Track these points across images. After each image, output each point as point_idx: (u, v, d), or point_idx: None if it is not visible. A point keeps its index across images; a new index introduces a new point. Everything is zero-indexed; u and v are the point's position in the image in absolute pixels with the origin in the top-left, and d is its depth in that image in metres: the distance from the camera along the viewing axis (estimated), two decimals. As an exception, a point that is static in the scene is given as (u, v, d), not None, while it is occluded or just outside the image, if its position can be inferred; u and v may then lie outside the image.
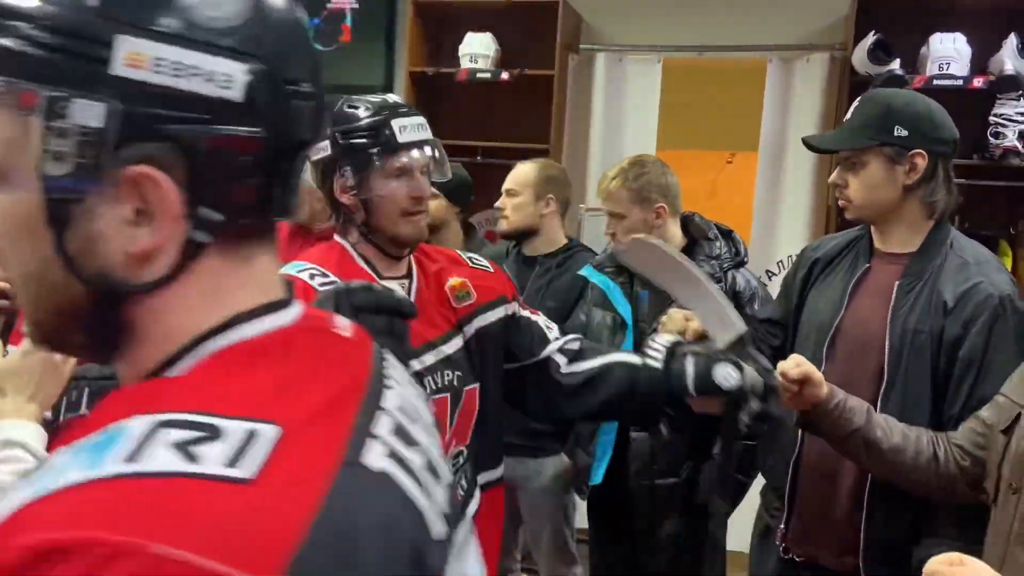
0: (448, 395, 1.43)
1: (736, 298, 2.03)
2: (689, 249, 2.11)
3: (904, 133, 1.61)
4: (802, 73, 3.37)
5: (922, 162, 1.61)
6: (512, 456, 2.45)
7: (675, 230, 2.13)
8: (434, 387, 1.42)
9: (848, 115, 1.71)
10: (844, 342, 1.68)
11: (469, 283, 1.54)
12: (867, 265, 1.70)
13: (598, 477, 2.11)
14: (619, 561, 2.20)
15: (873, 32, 3.07)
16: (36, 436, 1.12)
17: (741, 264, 2.09)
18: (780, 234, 3.36)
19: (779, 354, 1.84)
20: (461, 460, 1.45)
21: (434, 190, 2.75)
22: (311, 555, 0.44)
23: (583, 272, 2.17)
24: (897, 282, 1.63)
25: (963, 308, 1.55)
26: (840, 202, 1.72)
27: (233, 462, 0.45)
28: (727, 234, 2.15)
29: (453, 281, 1.52)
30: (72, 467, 0.44)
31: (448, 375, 1.44)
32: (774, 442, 1.81)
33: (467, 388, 1.46)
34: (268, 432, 0.47)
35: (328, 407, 0.53)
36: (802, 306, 1.81)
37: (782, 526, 1.75)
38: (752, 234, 3.48)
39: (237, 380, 0.52)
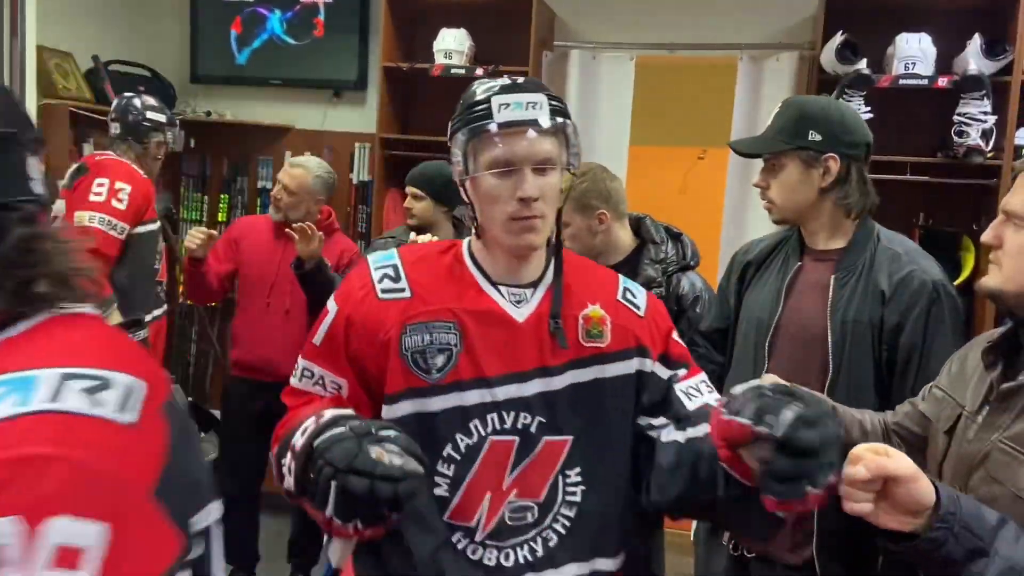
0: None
1: (679, 301, 2.06)
2: (636, 252, 2.15)
3: (818, 137, 1.69)
4: (772, 71, 3.42)
5: (835, 165, 1.69)
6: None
7: (622, 234, 2.16)
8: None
9: (769, 120, 1.77)
10: (785, 339, 1.73)
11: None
12: (799, 263, 1.76)
13: None
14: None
15: (841, 32, 3.12)
16: None
17: (687, 268, 2.13)
18: (750, 230, 3.39)
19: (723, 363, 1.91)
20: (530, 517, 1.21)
21: (419, 192, 2.79)
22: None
23: None
24: (832, 276, 1.69)
25: (900, 296, 1.63)
26: (764, 204, 1.79)
27: (122, 408, 0.64)
28: (676, 237, 2.19)
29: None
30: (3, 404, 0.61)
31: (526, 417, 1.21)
32: None
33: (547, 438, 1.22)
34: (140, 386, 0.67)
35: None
36: (740, 309, 1.86)
37: None
38: (723, 230, 3.52)
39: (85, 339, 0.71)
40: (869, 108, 3.08)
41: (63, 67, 3.56)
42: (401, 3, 3.69)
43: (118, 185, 2.78)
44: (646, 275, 2.09)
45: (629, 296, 1.30)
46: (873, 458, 1.03)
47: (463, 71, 3.58)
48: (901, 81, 3.11)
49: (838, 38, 3.12)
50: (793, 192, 1.71)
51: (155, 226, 3.05)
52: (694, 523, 1.96)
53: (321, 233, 2.78)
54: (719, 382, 1.92)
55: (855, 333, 1.64)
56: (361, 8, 3.91)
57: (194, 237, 2.84)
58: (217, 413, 3.33)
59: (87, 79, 3.71)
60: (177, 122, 3.16)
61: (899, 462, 1.03)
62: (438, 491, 1.19)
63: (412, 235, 2.57)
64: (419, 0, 3.71)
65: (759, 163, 2.00)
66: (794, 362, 1.70)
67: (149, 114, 3.01)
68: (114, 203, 2.75)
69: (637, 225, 2.19)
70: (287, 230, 2.81)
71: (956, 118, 3.04)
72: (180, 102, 4.04)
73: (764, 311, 1.77)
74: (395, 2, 3.65)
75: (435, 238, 2.54)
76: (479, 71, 3.56)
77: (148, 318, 2.90)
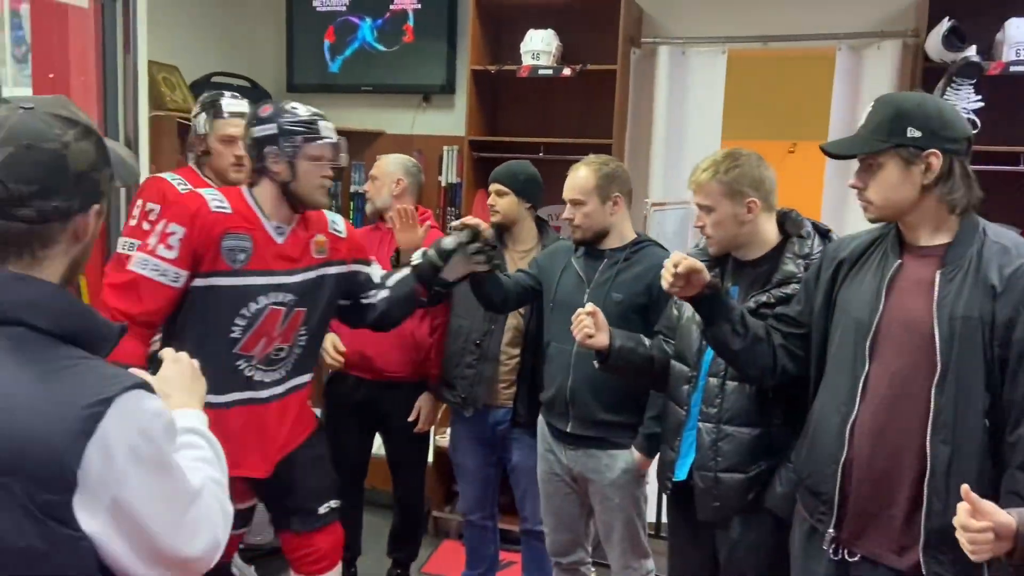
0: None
1: None
2: (780, 246, 2.05)
3: (917, 134, 1.63)
4: (873, 61, 3.29)
5: (937, 162, 1.63)
6: (582, 448, 2.48)
7: (768, 226, 2.05)
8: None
9: (863, 119, 1.72)
10: (889, 339, 1.68)
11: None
12: (899, 261, 1.70)
13: (682, 473, 2.07)
14: (695, 557, 2.17)
15: (947, 17, 2.99)
16: (203, 422, 1.30)
17: None
18: (850, 228, 3.29)
19: (802, 347, 1.88)
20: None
21: (504, 188, 2.82)
22: None
23: None
24: (938, 272, 1.63)
25: (1012, 290, 1.56)
26: (860, 204, 1.74)
27: None
28: (824, 233, 2.08)
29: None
30: None
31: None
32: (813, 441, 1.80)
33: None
34: None
35: None
36: (830, 307, 1.81)
37: (831, 530, 1.74)
38: (821, 226, 3.42)
39: None
40: (980, 97, 2.94)
41: (170, 80, 3.74)
42: (489, 6, 3.73)
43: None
44: (786, 270, 1.99)
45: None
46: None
47: (550, 71, 3.59)
48: (1012, 68, 2.96)
49: (944, 24, 2.98)
50: (894, 192, 1.66)
51: None
52: (793, 530, 1.91)
53: (428, 222, 2.82)
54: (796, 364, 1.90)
55: (964, 330, 1.58)
56: (449, 13, 3.97)
57: (335, 360, 2.94)
58: (317, 411, 3.42)
59: (192, 91, 3.88)
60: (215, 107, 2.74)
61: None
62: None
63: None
64: (506, 2, 3.74)
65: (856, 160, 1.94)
66: (899, 362, 1.65)
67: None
68: None
69: (781, 219, 2.09)
70: (388, 215, 2.88)
71: (1074, 105, 2.88)
72: (277, 110, 4.19)
73: (863, 311, 1.71)
74: (483, 5, 3.69)
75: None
76: (566, 71, 3.56)
77: None
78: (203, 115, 2.74)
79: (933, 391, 1.59)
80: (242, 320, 2.15)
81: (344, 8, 4.12)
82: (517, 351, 2.78)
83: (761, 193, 2.02)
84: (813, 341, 1.85)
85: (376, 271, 2.47)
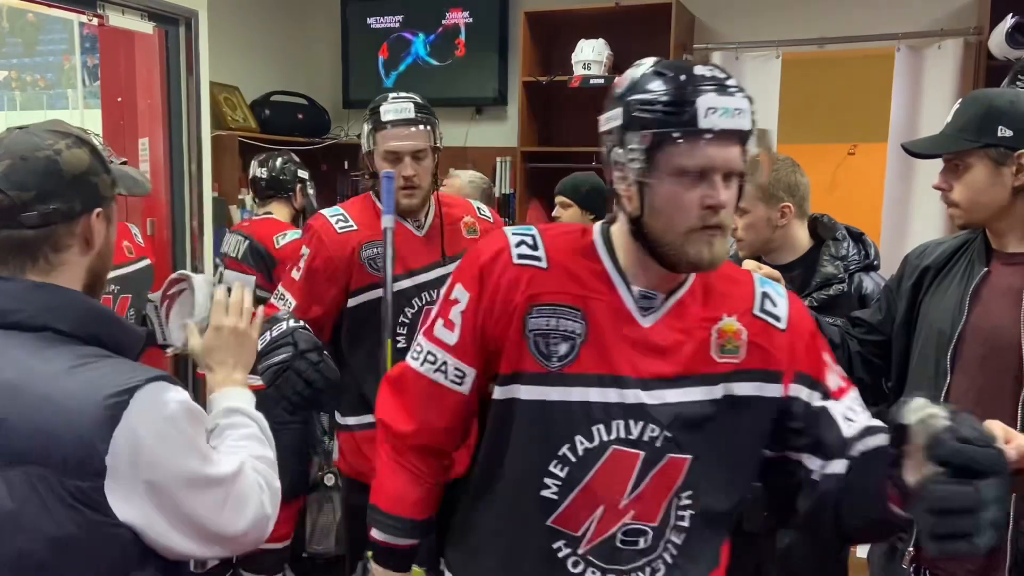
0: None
1: (863, 301, 1.96)
2: (815, 250, 2.05)
3: (1008, 133, 1.54)
4: (934, 60, 3.21)
5: None
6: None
7: (800, 232, 2.06)
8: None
9: (950, 117, 1.65)
10: (972, 351, 1.60)
11: None
12: (986, 269, 1.62)
13: None
14: (739, 567, 2.14)
15: (1011, 14, 2.90)
16: (248, 400, 1.27)
17: (871, 267, 2.02)
18: (913, 230, 3.21)
19: (879, 354, 1.81)
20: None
21: (567, 200, 2.84)
22: None
23: None
24: None
25: None
26: (948, 208, 1.67)
27: None
28: (857, 237, 2.07)
29: None
30: None
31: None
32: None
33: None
34: None
35: None
36: (913, 317, 1.74)
37: (911, 548, 1.68)
38: (883, 230, 3.34)
39: None
40: (1047, 94, 2.84)
41: (231, 100, 3.86)
42: (539, 18, 3.75)
43: None
44: (825, 272, 1.99)
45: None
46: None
47: (601, 80, 3.59)
48: (1083, 62, 2.84)
49: (1008, 21, 2.90)
50: (982, 194, 1.59)
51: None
52: (867, 546, 1.86)
53: None
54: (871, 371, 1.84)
55: None
56: (500, 26, 4.00)
57: None
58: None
59: (251, 110, 3.99)
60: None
61: None
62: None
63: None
64: (557, 14, 3.76)
65: (921, 160, 1.87)
66: (983, 376, 1.58)
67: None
68: None
69: (812, 224, 2.09)
70: None
71: None
72: (334, 127, 4.28)
73: (945, 321, 1.64)
74: (533, 17, 3.72)
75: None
76: (618, 79, 3.55)
77: None
78: (366, 128, 2.08)
79: (1020, 407, 1.52)
80: (561, 467, 1.16)
81: (398, 25, 4.20)
82: None
83: (796, 199, 2.03)
84: (894, 352, 1.79)
85: (846, 410, 1.23)
